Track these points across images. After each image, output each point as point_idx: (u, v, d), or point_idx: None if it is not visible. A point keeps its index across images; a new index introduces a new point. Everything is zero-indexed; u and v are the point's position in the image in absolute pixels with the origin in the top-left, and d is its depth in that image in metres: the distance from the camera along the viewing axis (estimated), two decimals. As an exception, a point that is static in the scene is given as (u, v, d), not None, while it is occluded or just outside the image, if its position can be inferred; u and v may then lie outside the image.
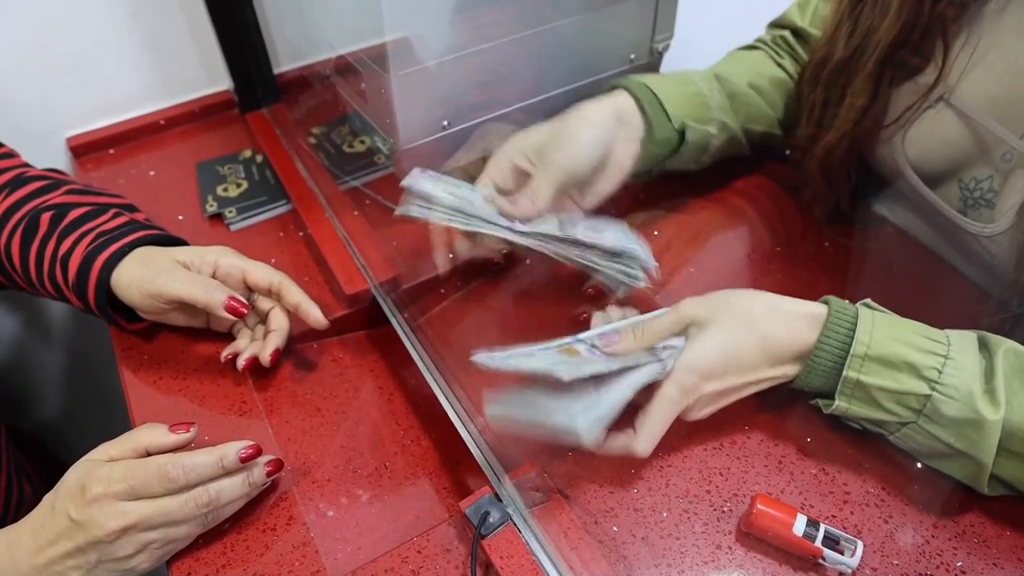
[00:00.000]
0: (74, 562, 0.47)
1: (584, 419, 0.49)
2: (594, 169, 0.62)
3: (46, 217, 0.62)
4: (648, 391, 0.52)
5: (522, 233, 0.59)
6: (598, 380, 0.52)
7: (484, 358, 0.51)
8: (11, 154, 0.70)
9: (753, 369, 0.52)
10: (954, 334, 0.51)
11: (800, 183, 0.74)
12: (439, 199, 0.59)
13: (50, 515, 0.48)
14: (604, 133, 0.62)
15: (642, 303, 0.63)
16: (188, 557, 0.52)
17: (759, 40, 0.79)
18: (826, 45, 0.65)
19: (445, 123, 0.69)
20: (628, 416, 0.52)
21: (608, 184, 0.64)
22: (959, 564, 0.50)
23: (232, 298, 0.59)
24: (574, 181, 0.61)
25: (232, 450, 0.51)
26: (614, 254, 0.60)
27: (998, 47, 0.57)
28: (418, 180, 0.60)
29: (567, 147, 0.60)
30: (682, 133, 0.66)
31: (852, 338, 0.50)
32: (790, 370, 0.53)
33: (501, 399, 0.53)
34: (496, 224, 0.59)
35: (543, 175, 0.59)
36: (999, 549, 0.50)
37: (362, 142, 0.86)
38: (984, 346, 0.50)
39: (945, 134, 0.60)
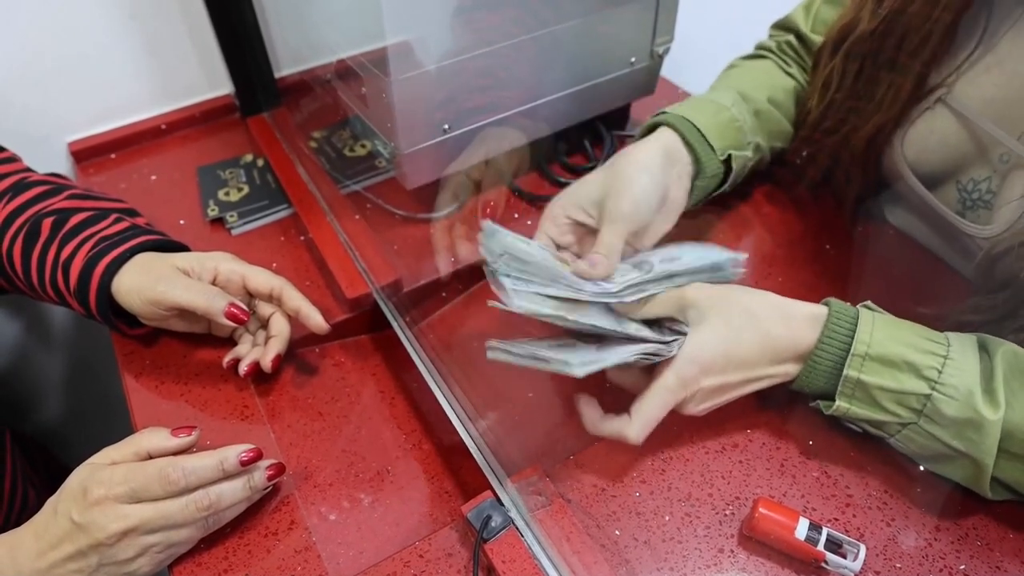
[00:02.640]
0: (76, 565, 0.47)
1: (580, 361, 0.50)
2: (652, 211, 0.60)
3: (48, 222, 0.62)
4: (646, 377, 0.52)
5: (613, 294, 0.55)
6: (601, 342, 0.53)
7: (497, 343, 0.51)
8: (13, 158, 0.71)
9: (753, 366, 0.52)
10: (954, 335, 0.51)
11: (808, 181, 0.74)
12: (530, 257, 0.54)
13: (52, 518, 0.48)
14: (660, 175, 0.60)
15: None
16: (189, 561, 0.52)
17: (763, 46, 0.78)
18: (852, 13, 0.64)
19: (446, 127, 0.69)
20: (624, 402, 0.52)
21: (665, 224, 0.62)
22: (962, 567, 0.50)
23: (232, 305, 0.59)
24: (637, 227, 0.59)
25: (232, 453, 0.51)
26: (702, 271, 0.57)
27: (995, 49, 0.57)
28: (495, 237, 0.54)
29: (628, 196, 0.58)
30: (727, 163, 0.66)
31: (852, 338, 0.50)
32: (791, 369, 0.53)
33: (503, 344, 0.52)
34: (586, 292, 0.54)
35: (611, 229, 0.57)
36: (1002, 552, 0.50)
37: (363, 146, 0.86)
38: (983, 347, 0.51)
39: (943, 135, 0.60)
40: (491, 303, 0.51)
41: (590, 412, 0.54)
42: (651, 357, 0.52)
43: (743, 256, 0.57)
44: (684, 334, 0.53)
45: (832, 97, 0.66)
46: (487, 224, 0.56)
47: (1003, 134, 0.56)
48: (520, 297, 0.51)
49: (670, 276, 0.56)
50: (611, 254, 0.56)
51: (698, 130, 0.64)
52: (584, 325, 0.52)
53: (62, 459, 0.95)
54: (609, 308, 0.55)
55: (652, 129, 0.65)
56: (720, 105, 0.67)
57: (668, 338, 0.53)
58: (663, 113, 0.65)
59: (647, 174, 0.59)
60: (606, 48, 0.76)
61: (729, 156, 0.65)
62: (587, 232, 0.60)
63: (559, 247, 0.60)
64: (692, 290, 0.54)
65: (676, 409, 0.53)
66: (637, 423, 0.51)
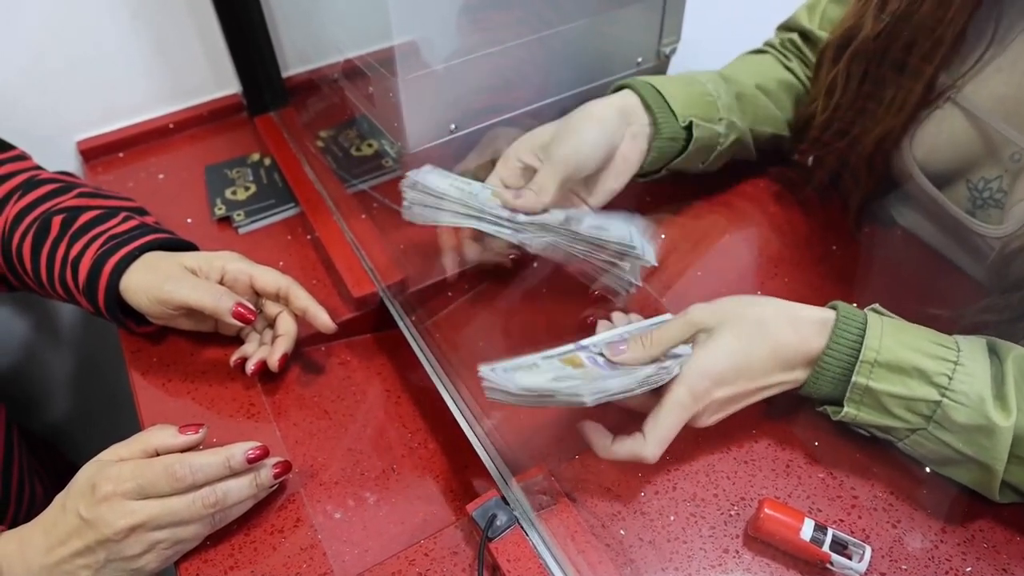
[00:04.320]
0: (83, 561, 0.47)
1: (589, 390, 0.49)
2: (600, 165, 0.62)
3: (58, 220, 0.62)
4: (656, 395, 0.52)
5: (521, 225, 0.59)
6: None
7: (488, 374, 0.49)
8: (23, 156, 0.71)
9: (763, 374, 0.52)
10: (963, 340, 0.50)
11: (815, 181, 0.74)
12: (443, 191, 0.59)
13: (61, 514, 0.48)
14: (609, 129, 0.62)
15: (647, 308, 0.64)
16: (196, 558, 0.52)
17: (767, 44, 0.79)
18: (853, 20, 0.64)
19: (452, 127, 0.69)
20: (637, 421, 0.52)
21: (615, 181, 0.64)
22: (968, 570, 0.49)
23: (239, 304, 0.59)
24: (579, 176, 0.61)
25: (239, 451, 0.51)
26: (617, 253, 0.59)
27: (1007, 49, 0.57)
28: (425, 174, 0.60)
29: (572, 142, 0.60)
30: (689, 130, 0.66)
31: (861, 344, 0.50)
32: (800, 375, 0.52)
33: (499, 384, 0.50)
34: (497, 217, 0.59)
35: (548, 168, 0.60)
36: (1009, 555, 0.50)
37: (370, 145, 0.86)
38: (994, 352, 0.50)
39: (953, 134, 0.60)
40: (481, 375, 0.50)
41: (598, 438, 0.53)
42: (654, 382, 0.52)
43: (652, 262, 0.60)
44: (681, 355, 0.52)
45: (838, 101, 0.66)
46: (426, 165, 0.61)
47: (1015, 133, 0.56)
48: (508, 379, 0.49)
49: (583, 240, 0.59)
50: (541, 192, 0.59)
51: (659, 93, 0.65)
52: (584, 396, 0.50)
53: (69, 456, 0.96)
54: (608, 368, 0.54)
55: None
56: (692, 79, 0.68)
57: (666, 363, 0.53)
58: (631, 79, 0.67)
59: (596, 125, 0.62)
60: (612, 48, 0.76)
61: (691, 123, 0.66)
62: (534, 178, 0.62)
63: (508, 189, 0.63)
64: (696, 311, 0.53)
65: (689, 423, 0.52)
66: (652, 442, 0.50)
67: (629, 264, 0.60)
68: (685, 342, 0.53)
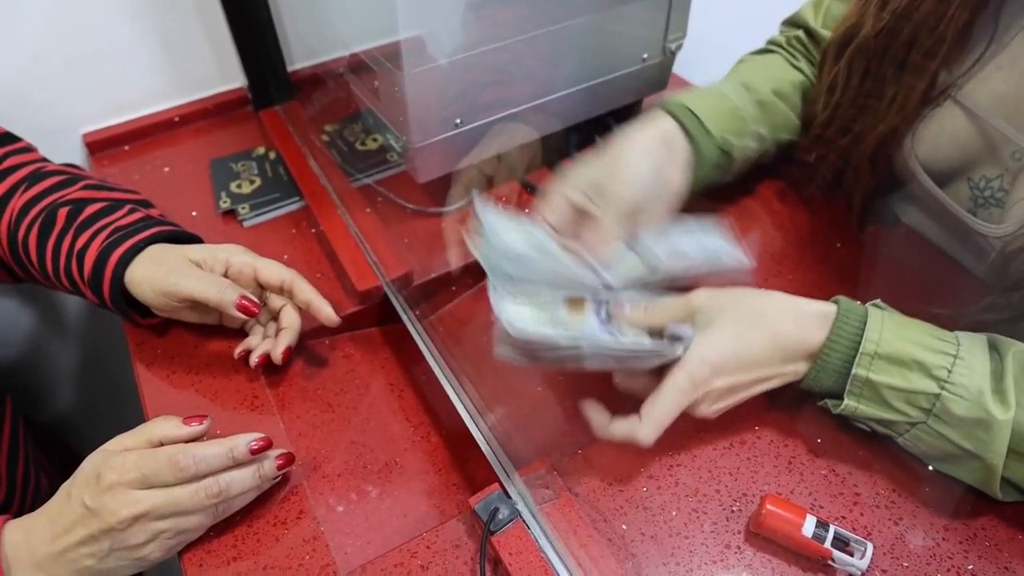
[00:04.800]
0: (88, 550, 0.47)
1: (590, 346, 0.50)
2: (653, 196, 0.60)
3: (63, 212, 0.63)
4: (654, 380, 0.52)
5: (614, 287, 0.55)
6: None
7: (492, 294, 0.49)
8: (29, 148, 0.71)
9: (763, 365, 0.52)
10: (964, 335, 0.51)
11: (818, 179, 0.74)
12: (510, 247, 0.54)
13: (66, 503, 0.48)
14: (656, 159, 0.61)
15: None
16: (199, 548, 0.52)
17: (772, 42, 0.79)
18: (854, 18, 0.64)
19: (457, 121, 0.69)
20: (634, 404, 0.52)
21: (665, 210, 0.62)
22: (970, 567, 0.49)
23: (243, 297, 0.59)
24: (636, 210, 0.59)
25: (242, 442, 0.51)
26: (709, 269, 0.58)
27: (1008, 47, 0.57)
28: (493, 225, 0.54)
29: (624, 177, 0.58)
30: (726, 151, 0.66)
31: (861, 337, 0.50)
32: (800, 367, 0.53)
33: (509, 343, 0.50)
34: (584, 282, 0.55)
35: (607, 210, 0.57)
36: (1011, 553, 0.50)
37: (375, 139, 0.86)
38: (994, 347, 0.50)
39: (954, 133, 0.60)
40: (497, 353, 0.50)
41: (598, 417, 0.53)
42: (656, 358, 0.52)
43: (747, 260, 0.58)
44: (684, 339, 0.53)
45: (839, 99, 0.66)
46: (484, 211, 0.55)
47: (1015, 132, 0.56)
48: (517, 322, 0.49)
49: (674, 275, 0.56)
50: (608, 236, 0.57)
51: (696, 117, 0.64)
52: (586, 347, 0.50)
53: (74, 447, 0.96)
54: (606, 324, 0.54)
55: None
56: (721, 94, 0.67)
57: (666, 343, 0.53)
58: (663, 101, 0.66)
59: (645, 157, 0.60)
60: (618, 44, 0.76)
61: (729, 144, 0.65)
62: (585, 216, 0.60)
63: (557, 233, 0.60)
64: (698, 295, 0.54)
65: (687, 412, 0.52)
66: (647, 424, 0.51)
67: (723, 264, 0.59)
68: (683, 322, 0.54)
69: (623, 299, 0.54)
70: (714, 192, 0.77)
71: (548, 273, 0.54)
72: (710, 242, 0.59)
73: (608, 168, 0.59)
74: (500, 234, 0.54)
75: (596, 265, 0.55)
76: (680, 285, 0.57)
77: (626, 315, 0.54)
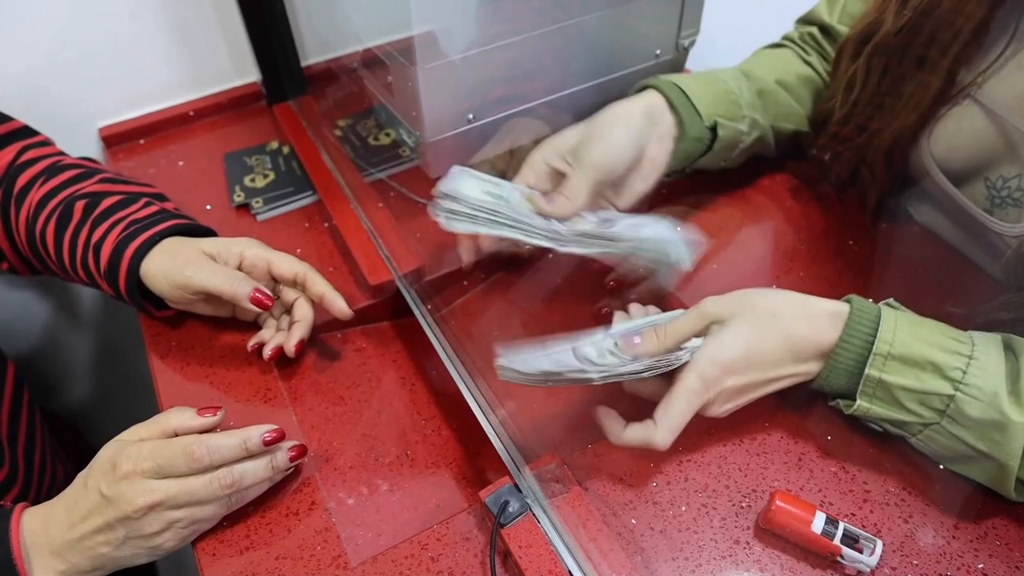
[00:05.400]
0: (104, 537, 0.48)
1: (596, 370, 0.50)
2: (629, 167, 0.62)
3: (80, 205, 0.63)
4: (667, 384, 0.52)
5: (558, 234, 0.58)
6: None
7: (506, 363, 0.51)
8: (47, 142, 0.72)
9: (775, 365, 0.52)
10: (978, 335, 0.50)
11: (833, 177, 0.73)
12: (477, 200, 0.58)
13: (83, 492, 0.49)
14: (637, 130, 0.62)
15: (663, 300, 0.64)
16: (212, 538, 0.53)
17: (786, 37, 0.78)
18: (874, 15, 0.64)
19: (470, 116, 0.70)
20: (648, 408, 0.52)
21: (643, 183, 0.64)
22: (980, 566, 0.49)
23: (257, 290, 0.60)
24: (610, 179, 0.61)
25: (256, 433, 0.52)
26: (653, 258, 0.59)
27: None
28: (456, 181, 0.59)
29: (601, 145, 0.60)
30: (714, 130, 0.66)
31: (874, 337, 0.50)
32: (812, 367, 0.52)
33: (512, 364, 0.51)
34: (533, 228, 0.58)
35: (579, 173, 0.59)
36: (1022, 553, 0.50)
37: (387, 134, 0.87)
38: (1009, 348, 0.50)
39: (972, 132, 0.59)
40: (498, 365, 0.51)
41: (611, 423, 0.53)
42: (662, 367, 0.52)
43: (690, 261, 0.59)
44: (694, 346, 0.53)
45: (857, 96, 0.66)
46: (455, 168, 0.59)
47: None
48: (525, 364, 0.51)
49: (618, 240, 0.58)
50: (574, 196, 0.59)
51: (684, 94, 0.65)
52: (591, 374, 0.51)
53: (89, 437, 0.97)
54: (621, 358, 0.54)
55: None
56: (715, 77, 0.68)
57: (680, 354, 0.53)
58: (654, 77, 0.67)
59: (624, 126, 0.62)
60: (631, 40, 0.76)
61: (716, 123, 0.66)
62: (563, 179, 0.61)
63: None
64: (708, 304, 0.53)
65: (699, 411, 0.52)
66: (663, 429, 0.50)
67: (665, 268, 0.60)
68: (698, 335, 0.53)
69: (629, 332, 0.54)
70: (728, 188, 0.78)
71: (493, 214, 0.57)
72: (668, 234, 0.60)
73: (588, 135, 0.61)
74: (458, 184, 0.59)
75: (549, 212, 0.58)
76: (611, 262, 0.60)
77: (641, 348, 0.52)
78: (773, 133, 0.73)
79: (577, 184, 0.59)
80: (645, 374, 0.52)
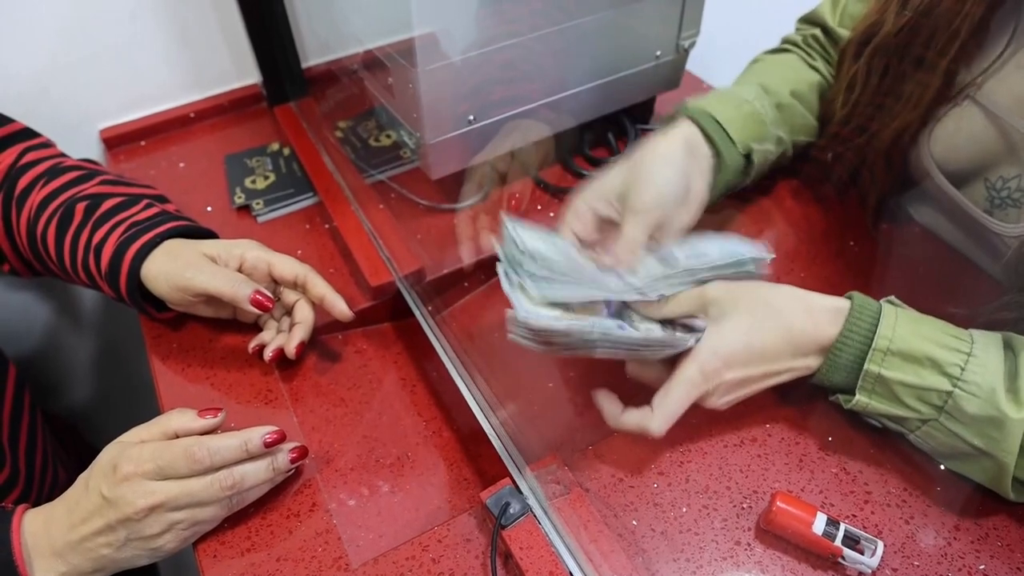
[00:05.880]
0: (105, 539, 0.48)
1: (600, 330, 0.50)
2: (674, 204, 0.60)
3: (81, 207, 0.63)
4: (668, 371, 0.52)
5: (639, 287, 0.55)
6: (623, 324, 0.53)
7: (516, 312, 0.49)
8: (48, 144, 0.72)
9: (775, 359, 0.52)
10: (978, 333, 0.50)
11: (834, 177, 0.73)
12: (549, 259, 0.54)
13: (84, 493, 0.49)
14: (681, 167, 0.60)
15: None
16: (213, 540, 0.53)
17: (788, 40, 0.78)
18: (875, 16, 0.63)
19: (471, 118, 0.70)
20: (646, 395, 0.52)
21: (689, 217, 0.62)
22: (982, 567, 0.49)
23: (258, 292, 0.60)
24: (662, 221, 0.59)
25: (256, 435, 0.52)
26: (727, 267, 0.57)
27: None
28: (520, 236, 0.54)
29: (651, 187, 0.58)
30: (748, 156, 0.66)
31: (874, 332, 0.50)
32: (812, 362, 0.53)
33: (521, 327, 0.50)
34: (609, 286, 0.55)
35: (634, 220, 0.57)
36: (1023, 554, 0.50)
37: (388, 136, 0.87)
38: (1009, 346, 0.50)
39: (972, 132, 0.59)
40: (510, 336, 0.50)
41: (610, 406, 0.54)
42: (667, 348, 0.52)
43: (768, 256, 0.57)
44: (698, 330, 0.53)
45: (858, 97, 0.66)
46: (508, 220, 0.55)
47: None
48: (531, 313, 0.50)
49: (694, 271, 0.56)
50: (634, 246, 0.56)
51: (719, 123, 0.64)
52: (599, 336, 0.51)
53: (90, 439, 0.97)
54: (617, 315, 0.54)
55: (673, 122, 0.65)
56: (742, 99, 0.67)
57: (679, 334, 0.53)
58: (684, 106, 0.65)
59: (670, 166, 0.60)
60: (631, 41, 0.76)
61: (750, 150, 0.65)
62: (611, 226, 0.60)
63: (583, 243, 0.60)
64: (713, 288, 0.54)
65: (698, 403, 0.53)
66: (659, 416, 0.51)
67: (747, 278, 0.58)
68: (687, 321, 0.54)
69: (645, 297, 0.54)
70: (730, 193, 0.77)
71: (571, 275, 0.53)
72: (729, 243, 0.59)
73: (633, 177, 0.59)
74: (523, 237, 0.54)
75: (620, 271, 0.55)
76: (701, 281, 0.57)
77: (639, 309, 0.54)
78: (792, 146, 0.72)
79: (634, 232, 0.56)
80: (644, 351, 0.52)
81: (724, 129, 0.64)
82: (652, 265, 0.57)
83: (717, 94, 0.68)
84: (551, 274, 0.53)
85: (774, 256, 0.58)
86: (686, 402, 0.52)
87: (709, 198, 0.64)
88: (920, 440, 0.51)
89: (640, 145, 0.62)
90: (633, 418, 0.52)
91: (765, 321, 0.52)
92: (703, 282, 0.56)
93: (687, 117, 0.64)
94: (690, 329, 0.53)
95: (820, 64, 0.74)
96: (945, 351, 0.48)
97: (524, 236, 0.55)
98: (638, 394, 0.54)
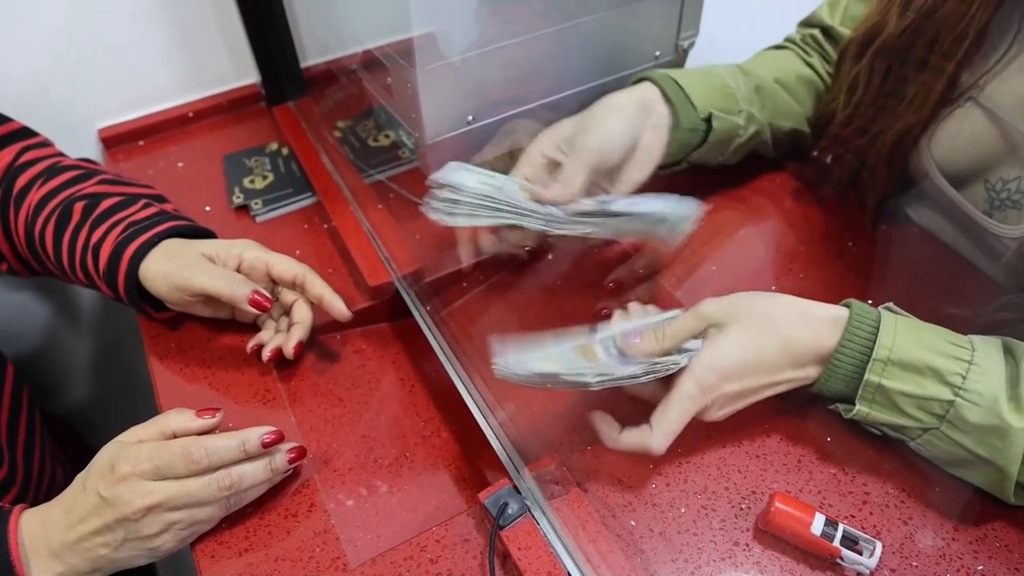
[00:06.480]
0: (102, 539, 0.48)
1: (594, 374, 0.50)
2: (624, 156, 0.62)
3: (79, 206, 0.63)
4: (665, 387, 0.52)
5: (555, 217, 0.58)
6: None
7: (502, 364, 0.50)
8: (46, 143, 0.72)
9: (773, 370, 0.52)
10: (978, 340, 0.50)
11: (834, 179, 0.73)
12: (470, 187, 0.58)
13: (81, 493, 0.49)
14: (631, 119, 0.62)
15: (662, 301, 0.64)
16: (211, 540, 0.53)
17: (788, 40, 0.78)
18: (877, 17, 0.64)
19: (470, 118, 0.70)
20: (645, 412, 0.52)
21: (639, 172, 0.64)
22: (980, 568, 0.49)
23: (256, 292, 0.60)
24: (604, 167, 0.61)
25: (254, 435, 0.52)
26: (652, 219, 0.60)
27: None
28: (451, 173, 0.59)
29: (596, 133, 0.61)
30: (708, 121, 0.66)
31: (874, 342, 0.49)
32: (811, 372, 0.52)
33: (509, 364, 0.51)
34: (531, 213, 0.59)
35: (574, 159, 0.60)
36: (1022, 555, 0.50)
37: (387, 136, 0.87)
38: (1010, 352, 0.50)
39: (973, 134, 0.59)
40: (495, 365, 0.51)
41: (606, 428, 0.54)
42: (660, 371, 0.52)
43: (698, 212, 0.59)
44: (689, 350, 0.53)
45: (860, 98, 0.66)
46: (450, 163, 0.60)
47: None
48: (522, 365, 0.50)
49: (616, 215, 0.58)
50: (569, 182, 0.59)
51: (679, 86, 0.65)
52: (588, 378, 0.50)
53: (88, 439, 0.97)
54: (621, 360, 0.54)
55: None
56: (711, 71, 0.69)
57: (674, 355, 0.53)
58: (650, 72, 0.67)
59: (618, 115, 0.62)
60: (630, 42, 0.76)
61: (711, 115, 0.66)
62: (557, 168, 0.62)
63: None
64: (707, 305, 0.53)
65: (697, 416, 0.52)
66: (658, 433, 0.50)
67: (665, 233, 0.61)
68: (696, 336, 0.53)
69: (629, 331, 0.54)
70: (728, 189, 0.78)
71: (487, 199, 0.58)
72: (666, 202, 0.61)
73: (583, 124, 0.62)
74: (452, 175, 0.58)
75: (545, 198, 0.58)
76: (625, 236, 0.60)
77: (640, 348, 0.53)
78: (771, 131, 0.73)
79: (572, 170, 0.59)
80: (643, 379, 0.51)
81: (684, 92, 0.65)
82: (585, 204, 0.59)
83: (689, 68, 0.70)
84: (464, 198, 0.57)
85: (707, 209, 0.60)
86: (685, 418, 0.51)
87: (662, 154, 0.65)
88: (921, 448, 0.51)
89: (597, 100, 0.64)
90: (632, 438, 0.52)
91: (762, 332, 0.51)
92: (618, 228, 0.59)
93: (647, 79, 0.66)
94: (684, 349, 0.53)
95: (816, 61, 0.74)
96: (946, 360, 0.48)
97: (454, 173, 0.59)
98: (634, 406, 0.54)
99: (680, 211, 0.60)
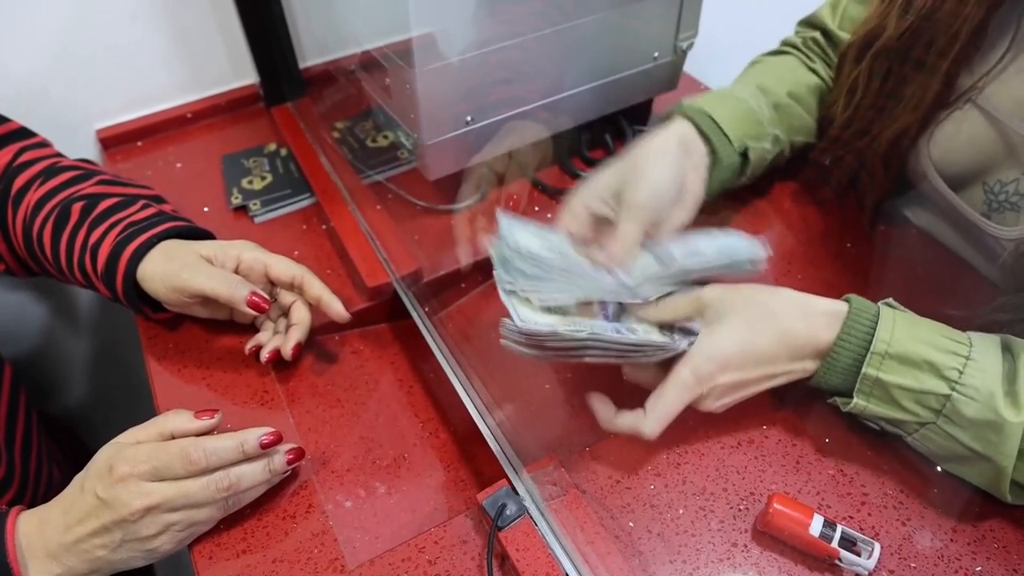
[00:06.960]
0: (100, 540, 0.48)
1: (589, 333, 0.50)
2: (670, 201, 0.60)
3: (77, 207, 0.63)
4: (662, 372, 0.52)
5: (631, 288, 0.55)
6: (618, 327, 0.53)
7: (509, 322, 0.50)
8: (44, 143, 0.72)
9: (771, 362, 0.52)
10: (976, 336, 0.50)
11: (833, 180, 0.73)
12: (538, 256, 0.54)
13: (79, 494, 0.49)
14: (675, 164, 0.60)
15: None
16: (209, 541, 0.53)
17: (787, 43, 0.78)
18: (876, 20, 0.63)
19: (468, 119, 0.70)
20: (639, 397, 0.52)
21: (685, 214, 0.62)
22: (978, 569, 0.49)
23: (254, 293, 0.60)
24: (657, 218, 0.59)
25: (253, 436, 0.52)
26: (723, 267, 0.58)
27: None
28: (508, 227, 0.55)
29: (644, 186, 0.57)
30: (744, 154, 0.66)
31: (872, 336, 0.50)
32: (809, 365, 0.53)
33: (515, 331, 0.50)
34: (603, 286, 0.55)
35: (628, 217, 0.57)
36: (1020, 555, 0.50)
37: (385, 137, 0.87)
38: (1008, 349, 0.50)
39: (971, 135, 0.59)
40: (504, 343, 0.50)
41: (603, 409, 0.54)
42: (659, 352, 0.52)
43: (764, 254, 0.57)
44: (694, 333, 0.53)
45: (859, 100, 0.66)
46: (503, 216, 0.55)
47: None
48: (527, 320, 0.50)
49: (688, 272, 0.56)
50: (629, 243, 0.56)
51: (714, 121, 0.64)
52: (589, 337, 0.50)
53: (86, 440, 0.97)
54: (615, 318, 0.54)
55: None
56: (738, 97, 0.67)
57: (675, 337, 0.53)
58: (680, 105, 0.65)
59: (665, 163, 0.60)
60: (629, 42, 0.76)
61: (746, 147, 0.65)
62: (606, 224, 0.60)
63: (579, 243, 0.60)
64: (709, 291, 0.54)
65: (693, 405, 0.53)
66: (652, 418, 0.51)
67: (732, 273, 0.58)
68: (691, 318, 0.54)
69: (638, 297, 0.54)
70: (726, 193, 0.77)
71: (563, 274, 0.53)
72: (726, 240, 0.59)
73: (628, 174, 0.59)
74: (516, 235, 0.54)
75: (614, 269, 0.55)
76: (696, 281, 0.57)
77: (636, 311, 0.54)
78: (790, 147, 0.72)
79: (629, 229, 0.56)
80: (636, 356, 0.52)
81: (719, 127, 0.64)
82: (648, 263, 0.57)
83: (713, 94, 0.68)
84: (542, 272, 0.53)
85: (771, 254, 0.58)
86: (679, 405, 0.52)
87: (705, 196, 0.64)
88: (918, 443, 0.51)
89: (635, 143, 0.62)
90: (626, 421, 0.52)
91: (761, 324, 0.52)
92: (698, 282, 0.56)
93: (682, 115, 0.64)
94: (688, 332, 0.53)
95: (819, 66, 0.74)
96: (943, 354, 0.48)
97: (518, 233, 0.54)
98: (633, 396, 0.54)
99: (745, 254, 0.57)
